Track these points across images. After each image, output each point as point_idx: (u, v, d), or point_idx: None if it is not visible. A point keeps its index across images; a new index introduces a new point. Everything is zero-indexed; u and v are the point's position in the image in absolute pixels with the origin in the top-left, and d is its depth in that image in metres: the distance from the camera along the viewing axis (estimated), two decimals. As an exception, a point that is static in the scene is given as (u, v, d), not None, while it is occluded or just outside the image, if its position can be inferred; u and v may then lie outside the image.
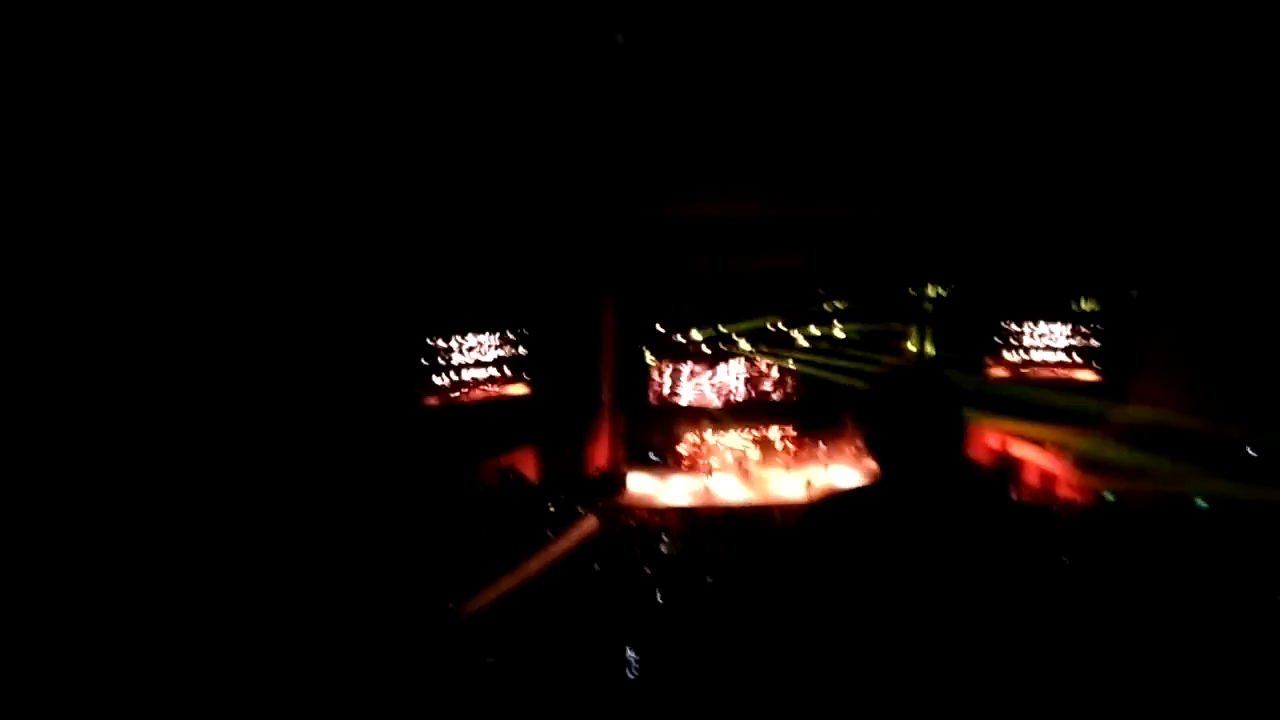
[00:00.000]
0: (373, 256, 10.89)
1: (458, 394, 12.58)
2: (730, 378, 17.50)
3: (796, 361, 17.05)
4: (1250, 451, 11.22)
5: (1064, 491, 13.20)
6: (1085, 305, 14.63)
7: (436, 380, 12.40)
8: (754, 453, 16.45)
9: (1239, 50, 8.81)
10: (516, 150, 11.33)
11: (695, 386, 17.36)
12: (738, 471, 15.59)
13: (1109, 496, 11.87)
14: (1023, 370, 15.30)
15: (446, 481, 11.73)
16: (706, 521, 12.03)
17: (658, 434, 16.68)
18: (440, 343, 12.28)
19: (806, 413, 17.20)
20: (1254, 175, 10.74)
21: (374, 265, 10.96)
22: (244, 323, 9.10)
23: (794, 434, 16.93)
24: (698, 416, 17.21)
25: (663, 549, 10.32)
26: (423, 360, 12.15)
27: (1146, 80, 9.68)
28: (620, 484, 14.54)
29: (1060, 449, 13.71)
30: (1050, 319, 15.08)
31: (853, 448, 16.23)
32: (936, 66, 9.96)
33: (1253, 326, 11.80)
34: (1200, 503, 10.31)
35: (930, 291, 15.57)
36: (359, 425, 11.10)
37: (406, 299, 11.56)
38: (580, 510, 11.84)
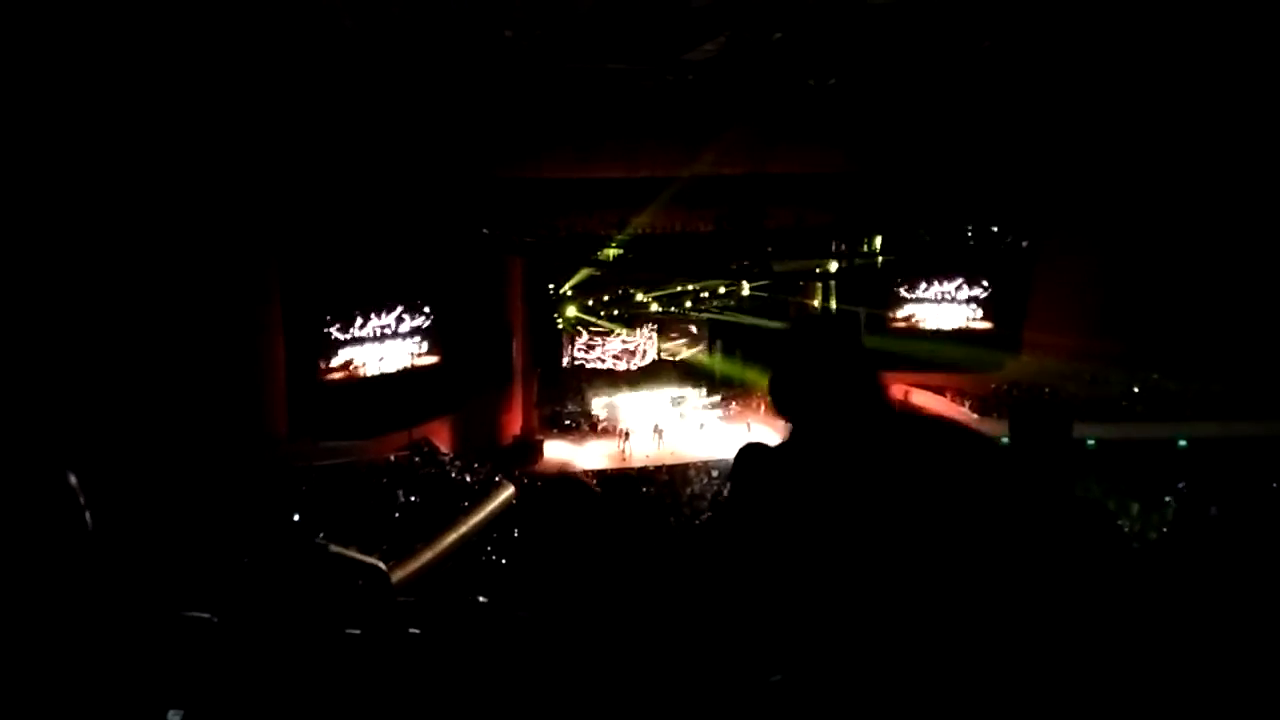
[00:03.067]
0: (261, 232, 10.37)
1: (362, 367, 12.15)
2: (641, 339, 17.59)
3: (706, 321, 17.26)
4: (1135, 391, 11.84)
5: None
6: (977, 260, 15.10)
7: (339, 356, 11.93)
8: (669, 413, 16.57)
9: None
10: (409, 115, 10.98)
11: (607, 349, 17.37)
12: (654, 433, 15.63)
13: (1005, 440, 12.43)
14: (921, 323, 15.79)
15: (352, 456, 11.41)
16: (623, 483, 12.09)
17: (572, 398, 16.63)
18: (339, 322, 11.82)
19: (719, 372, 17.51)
20: (1128, 135, 11.22)
21: (262, 241, 10.45)
22: (135, 302, 8.56)
23: (709, 393, 17.15)
24: (612, 379, 17.26)
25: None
26: (324, 336, 11.66)
27: (1035, 37, 9.92)
28: (536, 451, 14.45)
29: (958, 396, 14.27)
30: (945, 274, 15.55)
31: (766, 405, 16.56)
32: (835, 27, 9.96)
33: (1133, 275, 12.45)
34: (1089, 442, 10.91)
35: (832, 248, 15.83)
36: (256, 403, 10.66)
37: (300, 277, 11.06)
38: (497, 479, 11.71)
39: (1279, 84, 9.85)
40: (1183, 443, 10.05)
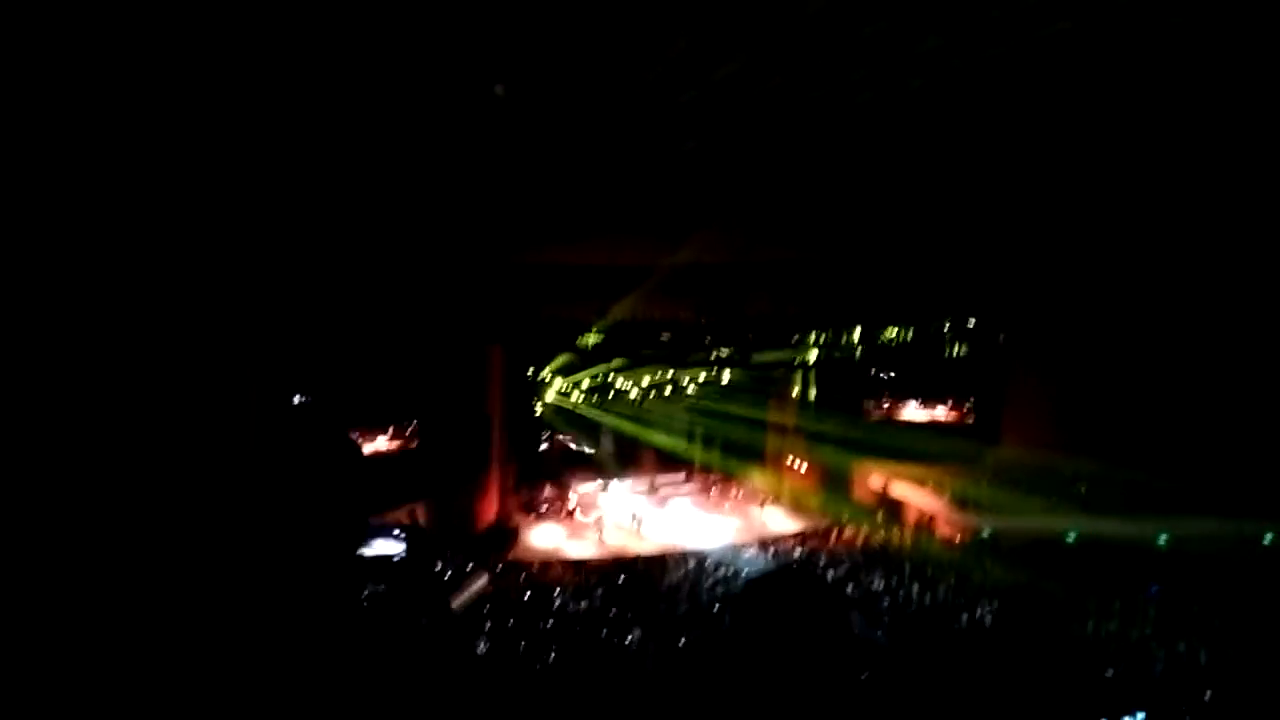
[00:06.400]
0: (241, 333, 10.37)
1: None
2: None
3: (686, 410, 17.28)
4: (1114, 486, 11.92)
5: (943, 529, 13.75)
6: (955, 351, 15.38)
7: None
8: (648, 500, 16.44)
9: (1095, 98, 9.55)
10: (393, 200, 11.12)
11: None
12: (631, 520, 15.43)
13: (985, 533, 12.44)
14: (900, 415, 15.94)
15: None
16: (601, 573, 11.86)
17: (550, 484, 16.45)
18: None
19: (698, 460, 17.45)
20: (1103, 227, 11.62)
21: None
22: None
23: (687, 481, 17.07)
24: (591, 465, 17.15)
25: (557, 602, 10.10)
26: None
27: (1003, 129, 10.35)
28: (513, 537, 14.19)
29: (938, 488, 14.30)
30: (924, 366, 15.74)
31: (749, 496, 16.57)
32: (806, 115, 10.33)
33: (1109, 369, 12.70)
34: (1069, 537, 10.94)
35: (811, 339, 16.05)
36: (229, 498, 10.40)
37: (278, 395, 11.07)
38: (471, 567, 11.45)
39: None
40: (1162, 539, 10.08)
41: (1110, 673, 7.15)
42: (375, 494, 12.38)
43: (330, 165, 10.06)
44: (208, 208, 9.31)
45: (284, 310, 10.82)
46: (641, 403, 17.18)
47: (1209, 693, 6.57)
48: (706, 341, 16.34)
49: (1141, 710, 6.20)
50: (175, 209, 8.83)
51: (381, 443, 12.41)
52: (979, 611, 9.41)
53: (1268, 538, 9.58)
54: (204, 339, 9.59)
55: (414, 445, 12.87)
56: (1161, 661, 7.46)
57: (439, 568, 11.28)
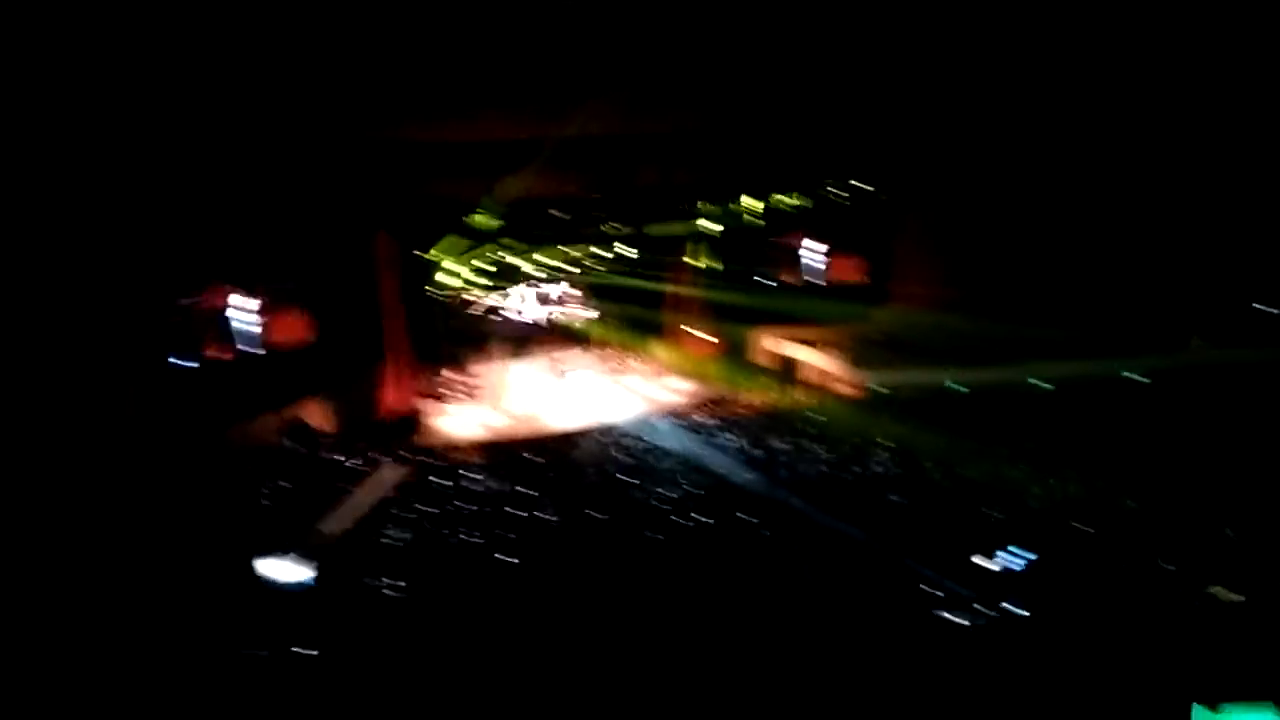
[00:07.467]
0: (108, 214, 9.52)
1: (225, 347, 11.42)
2: (519, 302, 17.43)
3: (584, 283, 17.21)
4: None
5: (837, 388, 14.42)
6: (842, 216, 15.62)
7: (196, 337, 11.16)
8: (550, 377, 16.50)
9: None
10: (267, 81, 10.27)
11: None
12: (534, 398, 15.48)
13: (879, 388, 13.13)
14: (793, 280, 16.26)
15: (218, 442, 10.80)
16: (509, 452, 11.96)
17: (450, 368, 16.24)
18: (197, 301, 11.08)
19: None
20: (988, 78, 11.84)
21: (110, 226, 9.60)
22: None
23: (587, 356, 17.18)
24: (490, 347, 16.99)
25: (468, 486, 10.17)
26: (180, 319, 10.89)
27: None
28: (416, 424, 14.06)
29: (832, 349, 14.88)
30: (814, 231, 15.99)
31: (649, 368, 16.87)
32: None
33: (993, 226, 13.26)
34: (955, 387, 11.66)
35: (703, 208, 16.01)
36: (112, 393, 9.86)
37: (156, 262, 10.28)
38: (376, 458, 11.35)
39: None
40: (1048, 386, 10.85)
41: (998, 515, 7.80)
42: (274, 391, 12.05)
43: (195, 41, 9.16)
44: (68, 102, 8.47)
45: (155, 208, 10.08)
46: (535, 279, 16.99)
47: (1092, 528, 7.27)
48: (598, 216, 16.10)
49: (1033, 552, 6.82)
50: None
51: (279, 335, 11.92)
52: (871, 463, 10.05)
53: (1132, 373, 10.40)
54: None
55: (309, 338, 12.39)
56: (1041, 501, 8.18)
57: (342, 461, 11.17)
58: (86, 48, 8.43)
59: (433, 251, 15.34)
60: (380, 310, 14.26)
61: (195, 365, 11.02)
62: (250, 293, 11.71)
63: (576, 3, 10.27)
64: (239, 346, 11.56)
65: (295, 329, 12.24)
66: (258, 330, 11.76)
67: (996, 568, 6.76)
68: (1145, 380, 10.30)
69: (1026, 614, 5.95)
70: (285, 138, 11.38)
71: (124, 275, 10.07)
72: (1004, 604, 6.03)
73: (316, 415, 12.79)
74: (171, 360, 10.81)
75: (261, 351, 11.80)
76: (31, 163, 8.49)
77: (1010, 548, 6.82)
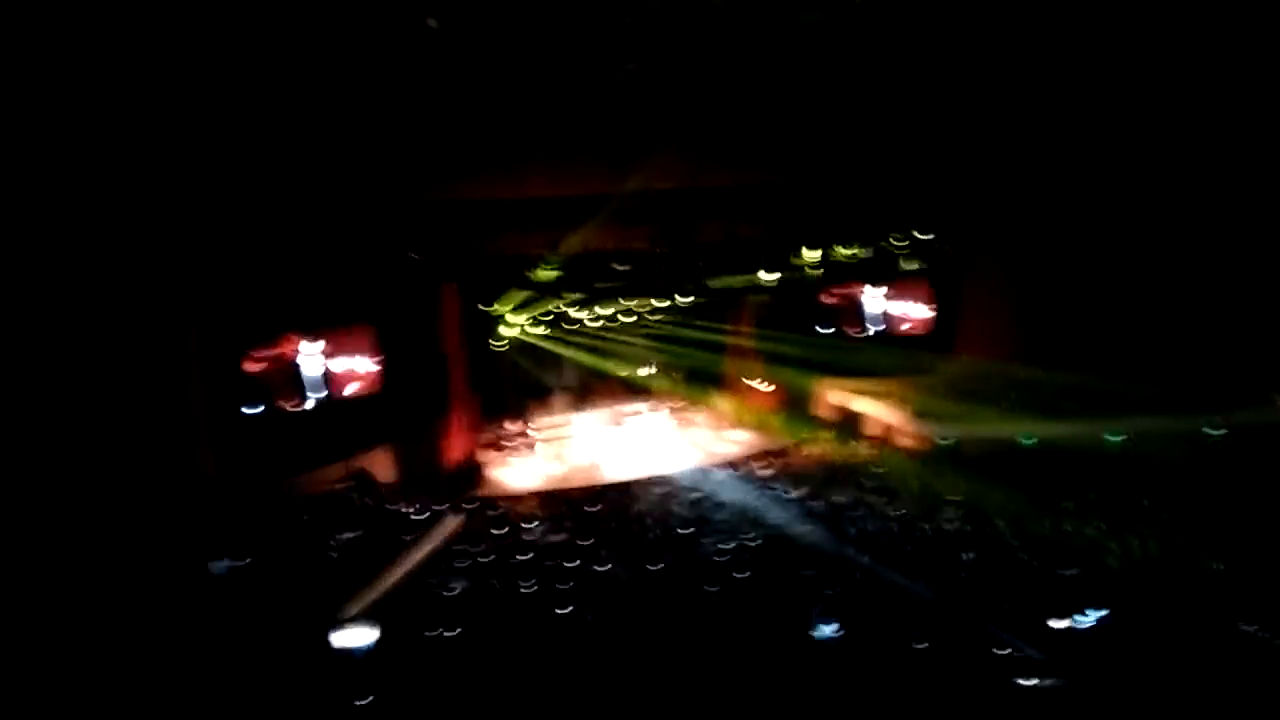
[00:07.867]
0: (187, 266, 10.01)
1: (294, 397, 11.76)
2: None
3: (645, 338, 17.25)
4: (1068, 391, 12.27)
5: (903, 440, 14.05)
6: (907, 265, 15.43)
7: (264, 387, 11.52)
8: (611, 429, 16.51)
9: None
10: (334, 141, 10.73)
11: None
12: (596, 450, 15.48)
13: (944, 442, 12.75)
14: (857, 332, 16.00)
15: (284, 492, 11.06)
16: (570, 503, 11.95)
17: (513, 420, 16.40)
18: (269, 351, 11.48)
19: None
20: (1065, 127, 11.64)
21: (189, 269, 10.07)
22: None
23: (649, 408, 17.15)
24: (553, 398, 17.15)
25: (528, 537, 10.17)
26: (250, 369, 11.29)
27: (960, 33, 10.22)
28: (479, 475, 14.18)
29: (896, 401, 14.54)
30: (876, 281, 15.77)
31: (711, 420, 16.74)
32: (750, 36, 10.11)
33: (1064, 276, 12.92)
34: (1025, 441, 11.26)
35: (765, 261, 15.96)
36: (189, 443, 10.22)
37: (233, 312, 10.74)
38: (435, 508, 11.44)
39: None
40: (1116, 440, 10.45)
41: (1072, 572, 7.45)
42: (339, 441, 12.30)
43: (258, 102, 9.65)
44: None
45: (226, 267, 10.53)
46: (599, 334, 17.08)
47: (1168, 587, 6.88)
48: (661, 269, 16.19)
49: (1105, 608, 6.48)
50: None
51: (346, 385, 12.22)
52: (940, 520, 9.71)
53: (1214, 433, 9.96)
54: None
55: (376, 389, 12.67)
56: (1118, 558, 7.79)
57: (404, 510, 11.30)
58: (167, 98, 8.91)
59: (496, 304, 15.62)
60: (445, 362, 14.51)
61: (264, 413, 11.30)
62: (320, 342, 12.01)
63: (642, 63, 10.47)
64: (308, 394, 11.84)
65: (363, 379, 12.48)
66: (326, 379, 12.03)
67: (1071, 629, 6.42)
68: (1225, 435, 9.81)
69: (1102, 678, 5.62)
70: (360, 195, 11.80)
71: (201, 325, 10.53)
72: (1079, 667, 5.70)
73: (380, 465, 12.99)
74: (243, 409, 11.12)
75: (328, 400, 12.06)
76: (113, 216, 8.96)
77: (1086, 609, 6.47)
